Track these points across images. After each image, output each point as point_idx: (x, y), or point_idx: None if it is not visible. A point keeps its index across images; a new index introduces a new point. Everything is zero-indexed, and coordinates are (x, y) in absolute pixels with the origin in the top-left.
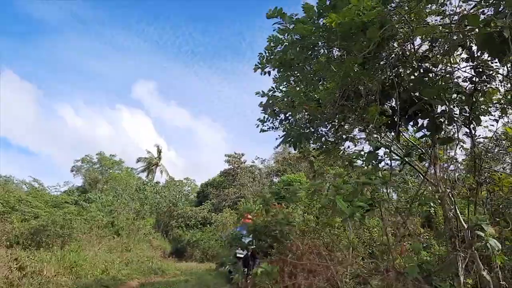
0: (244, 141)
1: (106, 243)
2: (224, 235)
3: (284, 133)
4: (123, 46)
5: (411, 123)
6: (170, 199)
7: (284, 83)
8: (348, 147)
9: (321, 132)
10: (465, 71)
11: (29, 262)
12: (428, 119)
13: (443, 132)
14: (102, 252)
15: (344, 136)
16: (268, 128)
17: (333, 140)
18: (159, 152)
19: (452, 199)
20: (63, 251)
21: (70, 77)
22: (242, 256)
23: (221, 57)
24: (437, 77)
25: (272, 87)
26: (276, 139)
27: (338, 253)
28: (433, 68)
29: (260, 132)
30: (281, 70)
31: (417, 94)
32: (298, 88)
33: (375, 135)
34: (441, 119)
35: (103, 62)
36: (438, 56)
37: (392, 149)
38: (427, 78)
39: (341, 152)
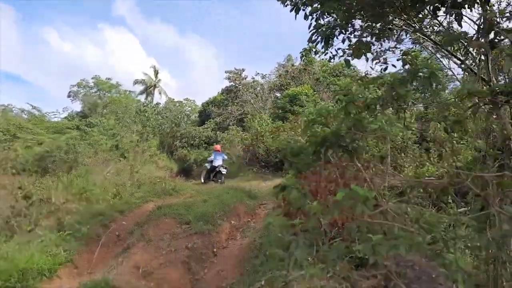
0: (237, 59)
1: (113, 166)
2: (209, 158)
3: (313, 29)
4: None
5: None
6: (172, 120)
7: None
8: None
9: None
10: None
11: (35, 190)
12: None
13: None
14: (111, 175)
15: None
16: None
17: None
18: (156, 73)
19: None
20: (70, 176)
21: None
22: (209, 167)
23: None
24: None
25: None
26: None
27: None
28: None
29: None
30: None
31: None
32: None
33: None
34: None
35: None
36: None
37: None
38: None
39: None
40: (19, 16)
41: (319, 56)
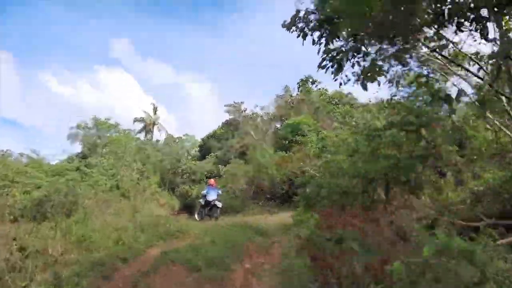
0: (234, 92)
1: (114, 207)
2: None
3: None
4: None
5: None
6: (173, 156)
7: None
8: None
9: (366, 50)
10: None
11: (31, 240)
12: None
13: None
14: (111, 217)
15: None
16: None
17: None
18: (155, 110)
19: None
20: (68, 222)
21: (42, 44)
22: (203, 202)
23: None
24: None
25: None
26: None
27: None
28: None
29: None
30: None
31: None
32: None
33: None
34: None
35: (74, 26)
36: None
37: None
38: None
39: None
40: (17, 61)
41: (316, 86)
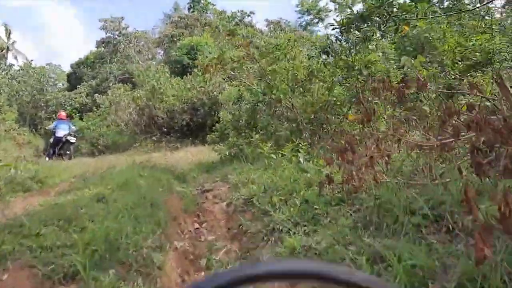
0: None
1: None
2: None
3: None
4: None
5: None
6: (33, 85)
7: None
8: None
9: None
10: None
11: None
12: None
13: None
14: None
15: None
16: None
17: None
18: (9, 33)
19: None
20: None
21: None
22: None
23: None
24: None
25: None
26: None
27: None
28: None
29: None
30: None
31: None
32: None
33: None
34: None
35: None
36: None
37: None
38: None
39: None
40: None
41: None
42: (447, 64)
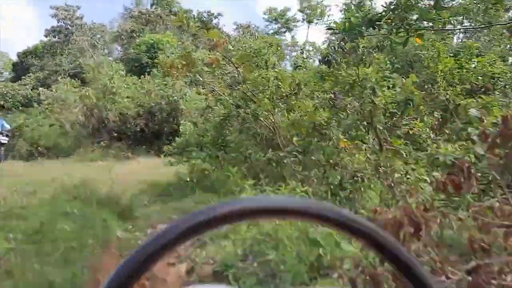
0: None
1: None
2: None
3: None
4: None
5: None
6: None
7: None
8: None
9: None
10: None
11: None
12: None
13: None
14: None
15: None
16: None
17: None
18: None
19: None
20: None
21: None
22: None
23: None
24: None
25: None
26: None
27: None
28: None
29: None
30: None
31: None
32: None
33: None
34: None
35: None
36: None
37: None
38: None
39: None
40: None
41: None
42: (441, 86)
